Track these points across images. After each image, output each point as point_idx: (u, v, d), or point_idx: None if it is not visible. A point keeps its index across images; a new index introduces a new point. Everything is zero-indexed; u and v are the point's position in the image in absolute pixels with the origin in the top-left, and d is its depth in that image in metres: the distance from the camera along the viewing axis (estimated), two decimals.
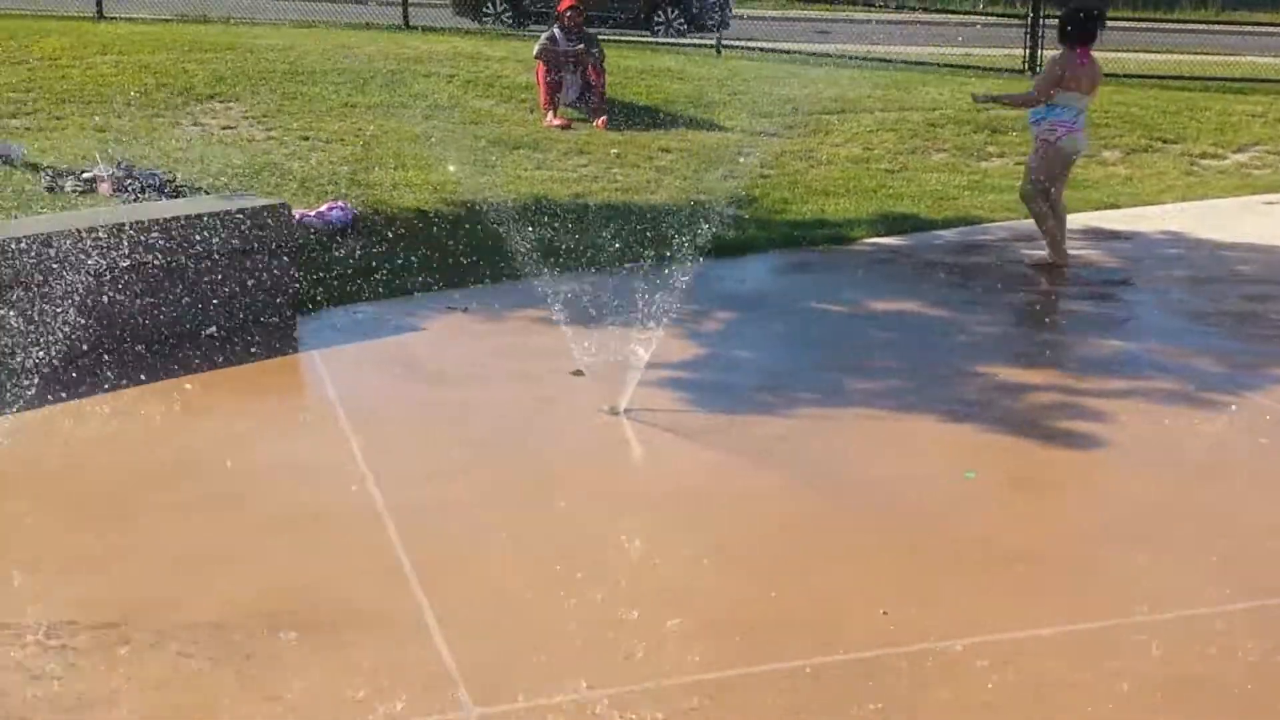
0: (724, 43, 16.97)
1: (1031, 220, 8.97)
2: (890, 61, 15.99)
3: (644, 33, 19.54)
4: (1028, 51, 15.90)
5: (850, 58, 16.55)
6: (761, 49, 17.20)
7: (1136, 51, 16.84)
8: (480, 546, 4.22)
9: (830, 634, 3.69)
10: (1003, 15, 19.64)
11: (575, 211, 8.82)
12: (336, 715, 3.30)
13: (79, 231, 5.79)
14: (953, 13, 22.77)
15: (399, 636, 3.66)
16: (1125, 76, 14.96)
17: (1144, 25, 20.57)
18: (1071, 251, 7.97)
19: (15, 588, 3.91)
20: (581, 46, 12.19)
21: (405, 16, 16.98)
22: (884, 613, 3.80)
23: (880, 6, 22.77)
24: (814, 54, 16.91)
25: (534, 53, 12.23)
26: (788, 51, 17.04)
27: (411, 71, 12.97)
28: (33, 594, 3.87)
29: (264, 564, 4.09)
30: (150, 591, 3.90)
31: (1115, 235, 8.58)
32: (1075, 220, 9.00)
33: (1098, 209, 9.13)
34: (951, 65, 15.68)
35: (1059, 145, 7.70)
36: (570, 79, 12.12)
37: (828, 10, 24.71)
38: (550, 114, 11.75)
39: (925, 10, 23.09)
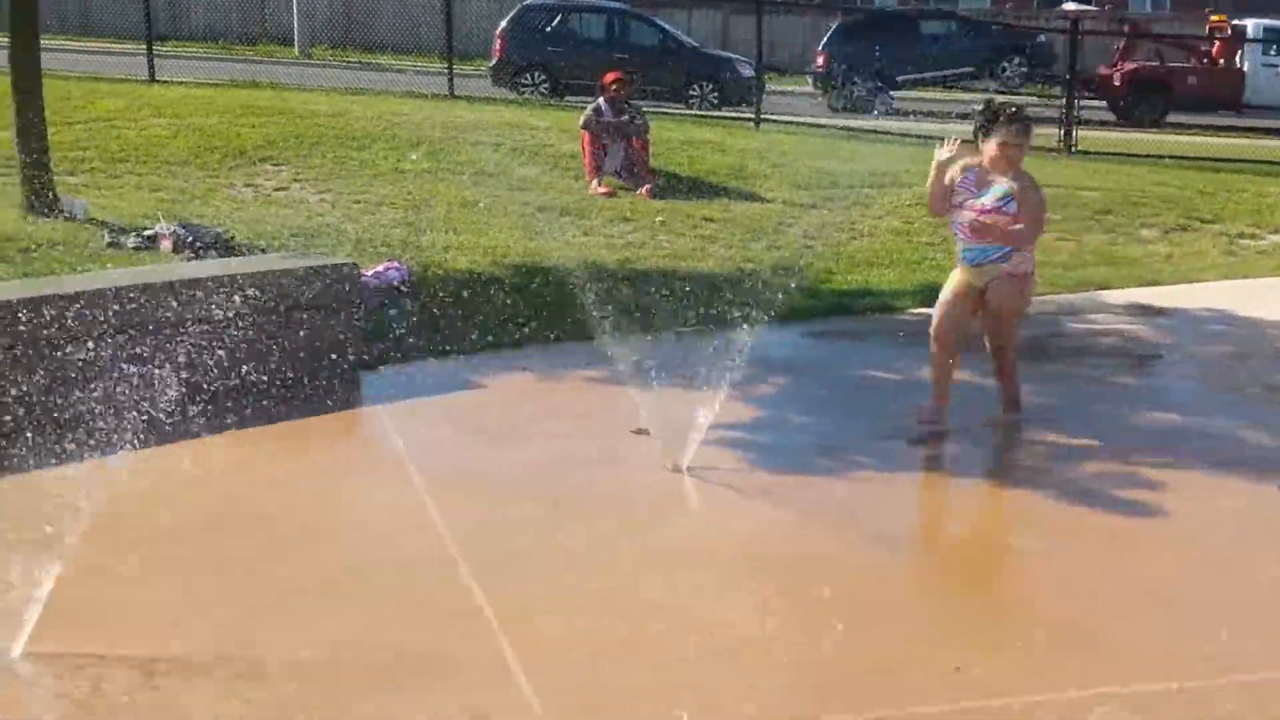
0: (762, 116, 17.26)
1: (1074, 295, 9.09)
2: (925, 138, 16.19)
3: (679, 104, 19.89)
4: (1062, 130, 16.13)
5: (885, 133, 16.79)
6: (798, 123, 17.48)
7: (1171, 133, 17.07)
8: (557, 597, 4.31)
9: (904, 688, 3.76)
10: (1040, 96, 19.86)
11: (624, 276, 8.96)
12: None
13: (156, 286, 5.96)
14: (988, 93, 23.09)
15: (485, 682, 3.74)
16: (1161, 157, 15.17)
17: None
18: (1117, 325, 8.06)
19: (99, 624, 4.01)
20: (626, 117, 12.43)
21: (450, 86, 17.34)
22: (957, 669, 3.88)
23: (913, 84, 23.13)
24: (850, 129, 17.16)
25: (580, 123, 12.48)
26: (824, 126, 17.30)
27: (458, 139, 13.22)
28: (116, 631, 3.98)
29: (343, 610, 4.18)
30: (230, 634, 3.99)
31: (1159, 311, 8.68)
32: (1119, 296, 9.12)
33: (1141, 285, 9.25)
34: None
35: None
36: (614, 148, 12.34)
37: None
38: (595, 182, 11.97)
39: (961, 89, 23.38)
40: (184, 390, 5.80)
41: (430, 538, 4.72)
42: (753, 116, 17.42)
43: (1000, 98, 6.05)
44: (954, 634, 4.14)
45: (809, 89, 22.84)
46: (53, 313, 5.66)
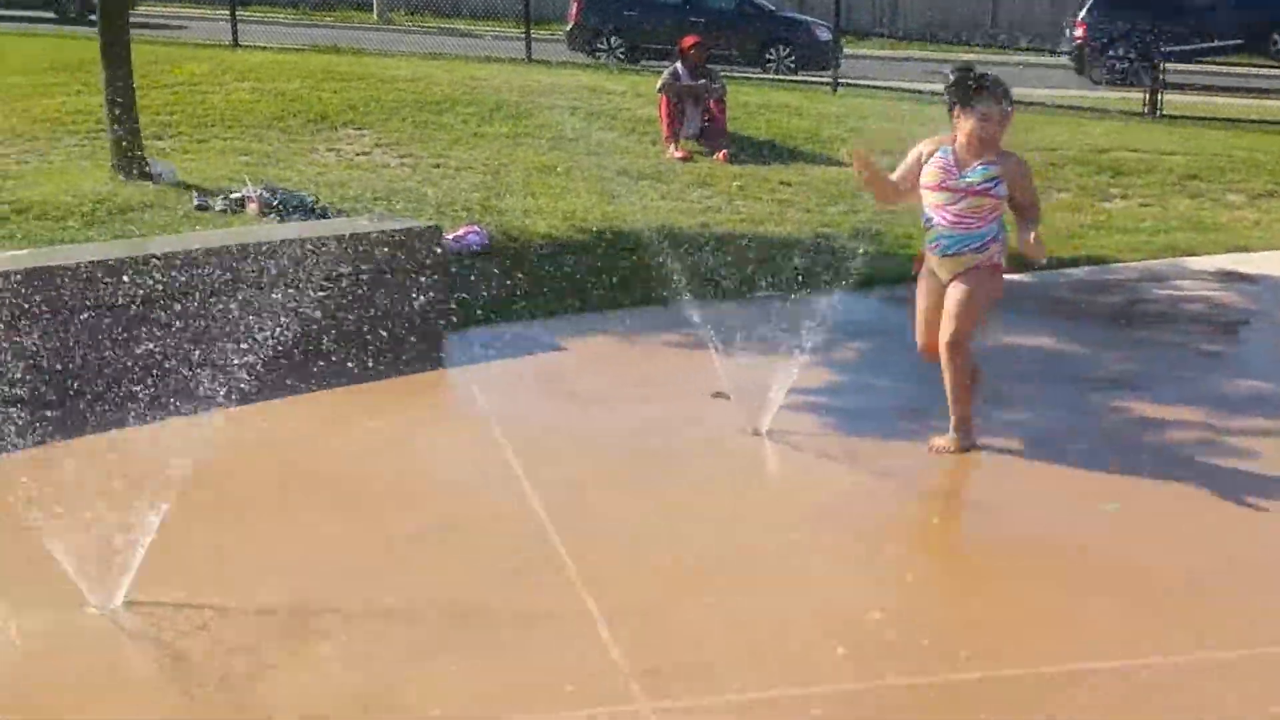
0: (840, 79, 17.14)
1: (1158, 261, 8.96)
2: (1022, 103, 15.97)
3: (756, 69, 19.79)
4: (1148, 94, 15.87)
5: None
6: (875, 87, 17.33)
7: (1257, 97, 16.69)
8: (640, 555, 4.39)
9: (983, 652, 3.78)
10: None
11: (702, 240, 8.98)
12: (516, 701, 3.48)
13: (247, 247, 6.08)
14: (1060, 53, 22.67)
15: (570, 634, 3.82)
16: (1245, 122, 14.87)
17: (1264, 72, 20.30)
18: (1204, 292, 7.95)
19: (192, 576, 4.14)
20: (704, 81, 12.40)
21: (528, 50, 17.40)
22: (1035, 634, 3.89)
23: (987, 46, 22.73)
24: (928, 93, 16.96)
25: (657, 87, 12.48)
26: (901, 90, 17.12)
27: (536, 104, 13.28)
28: (210, 582, 4.10)
29: (430, 563, 4.29)
30: (319, 584, 4.11)
31: (1247, 278, 8.56)
32: (1207, 262, 8.99)
33: (1229, 251, 9.11)
34: (1070, 107, 15.67)
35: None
36: (692, 113, 12.33)
37: (937, 51, 24.73)
38: (672, 146, 11.97)
39: (1037, 52, 22.99)
40: (272, 351, 5.93)
41: (515, 496, 4.80)
42: (830, 80, 17.30)
43: (977, 65, 5.11)
44: (1034, 597, 4.15)
45: (1060, 61, 22.10)
46: (146, 274, 5.81)
